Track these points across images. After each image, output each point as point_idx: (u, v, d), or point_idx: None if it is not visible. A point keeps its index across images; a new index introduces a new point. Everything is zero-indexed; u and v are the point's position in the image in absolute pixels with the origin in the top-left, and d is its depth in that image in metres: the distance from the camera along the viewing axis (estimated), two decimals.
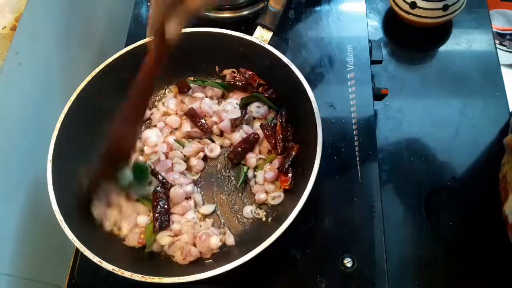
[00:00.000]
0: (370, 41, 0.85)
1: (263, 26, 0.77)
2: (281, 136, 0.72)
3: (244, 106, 0.78)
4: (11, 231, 0.70)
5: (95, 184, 0.66)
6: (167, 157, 0.75)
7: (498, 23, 1.44)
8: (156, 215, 0.67)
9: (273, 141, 0.73)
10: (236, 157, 0.74)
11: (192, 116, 0.76)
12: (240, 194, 0.73)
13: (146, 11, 0.95)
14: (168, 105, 0.81)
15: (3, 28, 0.69)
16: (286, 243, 0.67)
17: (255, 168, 0.74)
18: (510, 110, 0.85)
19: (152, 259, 0.67)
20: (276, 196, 0.70)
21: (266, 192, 0.72)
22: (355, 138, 0.75)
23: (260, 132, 0.75)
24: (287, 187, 0.70)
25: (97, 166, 0.66)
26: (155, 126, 0.79)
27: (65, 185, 0.66)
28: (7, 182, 0.69)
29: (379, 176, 0.72)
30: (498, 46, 1.24)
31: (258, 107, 0.78)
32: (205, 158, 0.76)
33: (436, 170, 0.80)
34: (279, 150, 0.72)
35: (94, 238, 0.64)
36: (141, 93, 0.63)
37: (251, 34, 0.76)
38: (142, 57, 0.61)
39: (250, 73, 0.78)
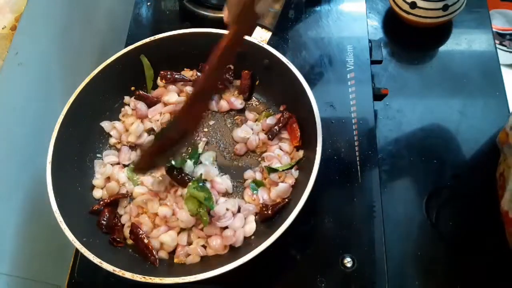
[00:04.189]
0: (370, 41, 0.85)
1: (262, 27, 0.77)
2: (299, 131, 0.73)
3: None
4: (11, 231, 0.70)
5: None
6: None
7: (498, 23, 1.44)
8: None
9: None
10: None
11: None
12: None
13: (146, 11, 0.95)
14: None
15: (3, 28, 0.69)
16: (286, 243, 0.67)
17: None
18: (511, 110, 0.85)
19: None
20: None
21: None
22: (355, 138, 0.75)
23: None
24: (298, 144, 0.72)
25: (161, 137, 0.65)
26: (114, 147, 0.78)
27: (65, 186, 0.66)
28: (7, 182, 0.69)
29: (379, 176, 0.72)
30: (498, 46, 1.24)
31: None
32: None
33: (436, 170, 0.80)
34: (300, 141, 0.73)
35: (94, 239, 0.64)
36: (215, 71, 0.60)
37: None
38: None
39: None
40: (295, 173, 0.71)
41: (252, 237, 0.67)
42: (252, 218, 0.68)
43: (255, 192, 0.70)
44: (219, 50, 0.56)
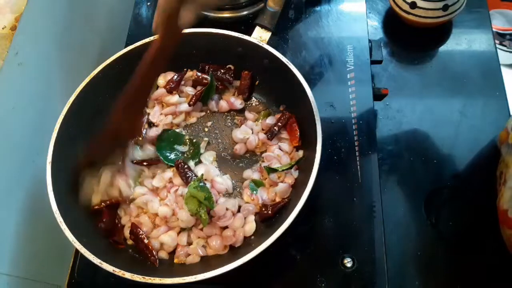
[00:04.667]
0: (370, 41, 0.85)
1: (262, 26, 0.77)
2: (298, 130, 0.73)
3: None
4: (11, 231, 0.70)
5: (91, 159, 0.67)
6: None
7: (498, 23, 1.44)
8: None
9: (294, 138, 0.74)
10: None
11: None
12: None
13: (146, 11, 0.95)
14: None
15: (3, 28, 0.69)
16: (286, 243, 0.67)
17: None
18: (511, 110, 0.85)
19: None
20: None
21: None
22: (355, 138, 0.75)
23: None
24: (298, 144, 0.72)
25: (96, 143, 0.68)
26: None
27: (65, 186, 0.66)
28: (7, 182, 0.69)
29: (379, 176, 0.72)
30: (498, 46, 1.24)
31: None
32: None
33: (436, 170, 0.80)
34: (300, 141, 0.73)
35: (94, 239, 0.64)
36: (140, 86, 0.62)
37: (250, 34, 0.76)
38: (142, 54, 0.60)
39: (213, 66, 0.79)
40: (294, 173, 0.71)
41: (252, 237, 0.67)
42: (252, 218, 0.68)
43: (254, 192, 0.71)
44: (147, 58, 0.58)
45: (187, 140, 0.77)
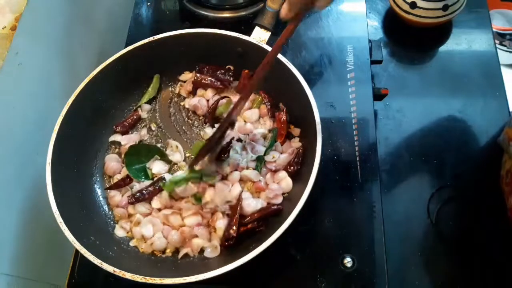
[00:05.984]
0: (370, 41, 0.85)
1: (261, 27, 0.77)
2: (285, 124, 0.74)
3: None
4: (11, 231, 0.70)
5: None
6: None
7: (498, 23, 1.44)
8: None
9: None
10: None
11: None
12: None
13: (146, 11, 0.95)
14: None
15: (3, 28, 0.69)
16: (286, 243, 0.67)
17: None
18: (510, 110, 0.85)
19: (152, 260, 0.67)
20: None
21: None
22: (355, 138, 0.75)
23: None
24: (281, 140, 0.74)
25: None
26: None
27: (65, 187, 0.66)
28: (8, 182, 0.69)
29: (379, 176, 0.72)
30: (498, 46, 1.24)
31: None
32: None
33: (436, 170, 0.80)
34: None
35: (94, 239, 0.64)
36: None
37: (250, 34, 0.76)
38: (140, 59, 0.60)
39: (211, 67, 0.80)
40: (294, 142, 0.72)
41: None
42: (284, 174, 0.70)
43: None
44: (279, 44, 0.60)
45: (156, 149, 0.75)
